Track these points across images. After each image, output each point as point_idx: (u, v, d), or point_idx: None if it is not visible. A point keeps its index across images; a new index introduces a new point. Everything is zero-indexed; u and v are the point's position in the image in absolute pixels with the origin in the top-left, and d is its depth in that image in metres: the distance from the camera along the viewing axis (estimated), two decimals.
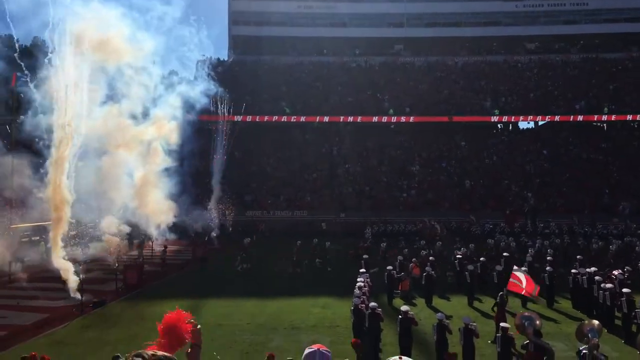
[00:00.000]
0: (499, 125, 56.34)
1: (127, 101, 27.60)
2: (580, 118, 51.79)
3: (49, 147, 20.91)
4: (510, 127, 56.61)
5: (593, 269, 19.27)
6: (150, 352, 2.53)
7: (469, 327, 12.37)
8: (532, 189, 45.14)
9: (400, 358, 3.34)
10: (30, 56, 22.44)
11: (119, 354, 7.80)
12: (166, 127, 30.94)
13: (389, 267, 20.61)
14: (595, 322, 10.61)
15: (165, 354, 2.57)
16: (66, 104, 20.00)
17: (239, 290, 21.73)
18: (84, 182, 23.42)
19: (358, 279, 17.27)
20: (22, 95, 24.37)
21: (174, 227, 32.59)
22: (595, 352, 9.73)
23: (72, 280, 19.33)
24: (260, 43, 61.62)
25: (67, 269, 19.81)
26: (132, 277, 22.42)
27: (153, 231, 30.74)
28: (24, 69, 21.18)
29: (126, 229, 29.28)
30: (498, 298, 15.52)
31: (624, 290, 15.92)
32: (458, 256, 23.50)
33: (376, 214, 41.70)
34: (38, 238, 28.98)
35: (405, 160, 50.71)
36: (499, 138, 54.79)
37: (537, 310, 16.29)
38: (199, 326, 3.61)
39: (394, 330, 13.72)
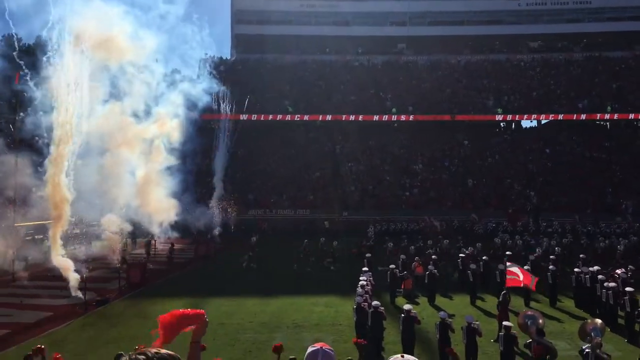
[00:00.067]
0: (501, 124, 56.22)
1: (130, 99, 27.63)
2: (583, 117, 51.61)
3: (48, 145, 20.94)
4: (513, 126, 56.48)
5: (596, 267, 19.25)
6: (153, 350, 2.51)
7: (472, 326, 12.35)
8: (534, 188, 45.07)
9: (402, 356, 3.33)
10: (32, 55, 22.47)
11: (122, 352, 7.82)
12: (168, 125, 30.97)
13: (392, 266, 20.63)
14: (598, 321, 10.60)
15: (170, 352, 2.55)
16: (67, 102, 20.03)
17: (241, 289, 21.73)
18: (86, 180, 23.45)
19: (361, 278, 17.27)
20: (25, 94, 24.40)
21: (176, 226, 32.62)
22: (598, 351, 9.72)
23: (73, 279, 19.36)
24: (263, 42, 61.52)
25: (67, 267, 19.84)
26: (135, 276, 22.45)
27: (155, 229, 30.79)
28: (24, 67, 21.21)
29: (128, 227, 29.32)
30: (501, 297, 15.50)
31: (627, 289, 15.89)
32: (461, 255, 23.50)
33: (379, 213, 41.70)
34: (41, 237, 29.02)
35: (408, 158, 50.67)
36: (501, 137, 54.68)
37: (540, 309, 16.29)
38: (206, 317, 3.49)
39: (397, 328, 13.71)
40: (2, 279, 22.73)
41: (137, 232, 31.21)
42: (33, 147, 25.62)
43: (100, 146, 26.90)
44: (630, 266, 20.81)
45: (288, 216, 42.84)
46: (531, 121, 55.65)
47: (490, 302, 18.51)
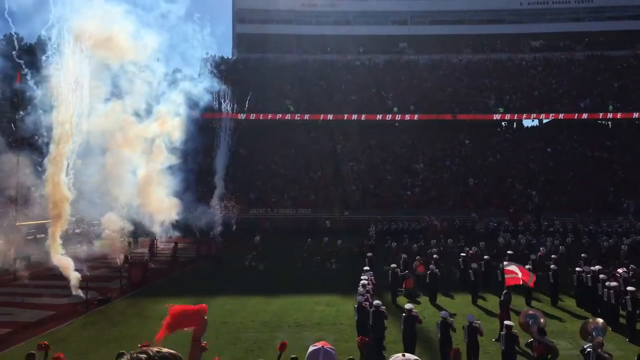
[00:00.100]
0: (503, 123, 56.13)
1: (131, 98, 27.60)
2: (585, 116, 51.47)
3: (48, 144, 20.94)
4: (515, 125, 56.40)
5: (597, 267, 19.23)
6: (155, 349, 2.50)
7: (473, 325, 12.35)
8: (536, 187, 45.03)
9: (403, 356, 3.33)
10: (33, 54, 22.47)
11: (123, 351, 7.81)
12: (169, 124, 30.93)
13: (393, 265, 20.64)
14: (600, 320, 10.61)
15: (171, 351, 2.54)
16: (67, 101, 20.02)
17: (243, 288, 21.74)
18: (87, 179, 23.45)
19: (362, 277, 17.28)
20: (26, 93, 24.40)
21: (178, 225, 32.62)
22: (599, 350, 9.71)
23: (73, 278, 19.36)
24: (265, 41, 61.53)
25: (66, 266, 19.84)
26: (136, 275, 22.47)
27: (157, 229, 30.79)
28: (23, 66, 21.21)
29: (129, 226, 29.32)
30: (502, 296, 15.49)
31: (629, 288, 15.89)
32: (462, 254, 23.48)
33: (380, 212, 41.70)
34: (43, 236, 29.02)
35: (410, 158, 50.66)
36: (503, 136, 54.62)
37: (541, 309, 16.29)
38: (205, 316, 3.52)
39: (398, 328, 13.71)
40: (4, 278, 22.78)
41: (139, 232, 31.20)
42: (33, 146, 25.62)
43: (102, 145, 26.89)
44: (632, 265, 20.79)
45: (289, 215, 42.86)
46: (533, 120, 55.70)
47: (492, 302, 18.50)
